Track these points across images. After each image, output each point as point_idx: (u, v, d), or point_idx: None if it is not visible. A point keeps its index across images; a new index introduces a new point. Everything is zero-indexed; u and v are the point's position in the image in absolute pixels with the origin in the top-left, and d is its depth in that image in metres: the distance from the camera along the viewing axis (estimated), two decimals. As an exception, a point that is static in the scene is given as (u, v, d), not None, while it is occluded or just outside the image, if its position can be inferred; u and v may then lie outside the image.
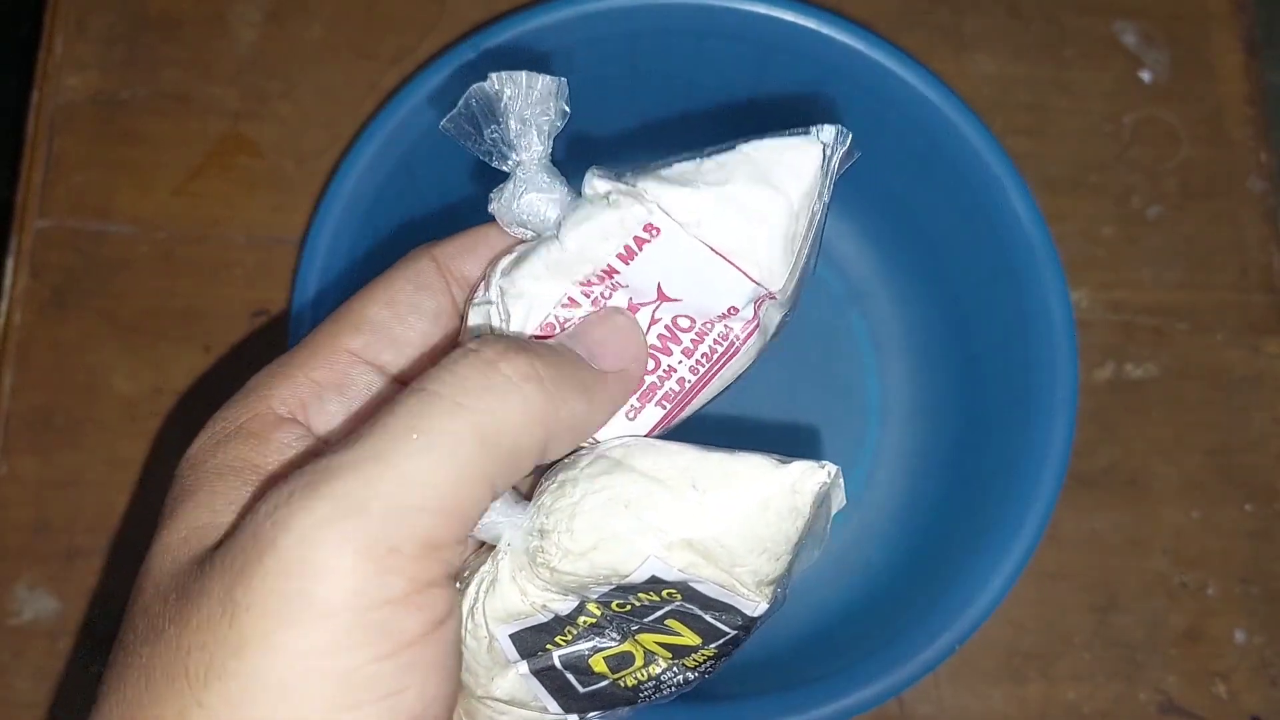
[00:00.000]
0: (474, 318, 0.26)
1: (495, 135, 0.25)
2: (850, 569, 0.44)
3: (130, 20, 0.50)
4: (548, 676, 0.25)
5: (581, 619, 0.25)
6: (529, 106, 0.24)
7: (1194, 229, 0.49)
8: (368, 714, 0.19)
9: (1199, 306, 0.48)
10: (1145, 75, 0.51)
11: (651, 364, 0.25)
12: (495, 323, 0.25)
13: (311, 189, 0.48)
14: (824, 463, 0.24)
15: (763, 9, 0.41)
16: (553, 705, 0.26)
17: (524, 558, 0.24)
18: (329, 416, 0.24)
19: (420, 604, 0.20)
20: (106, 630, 0.43)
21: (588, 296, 0.25)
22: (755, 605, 0.25)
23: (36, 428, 0.45)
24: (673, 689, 0.26)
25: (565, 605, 0.25)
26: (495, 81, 0.24)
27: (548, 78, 0.24)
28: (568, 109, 0.25)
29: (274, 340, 0.46)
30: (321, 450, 0.23)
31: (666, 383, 0.25)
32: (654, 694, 0.26)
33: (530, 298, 0.25)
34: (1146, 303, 0.48)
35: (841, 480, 0.25)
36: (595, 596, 0.24)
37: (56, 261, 0.47)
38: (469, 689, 0.26)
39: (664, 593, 0.24)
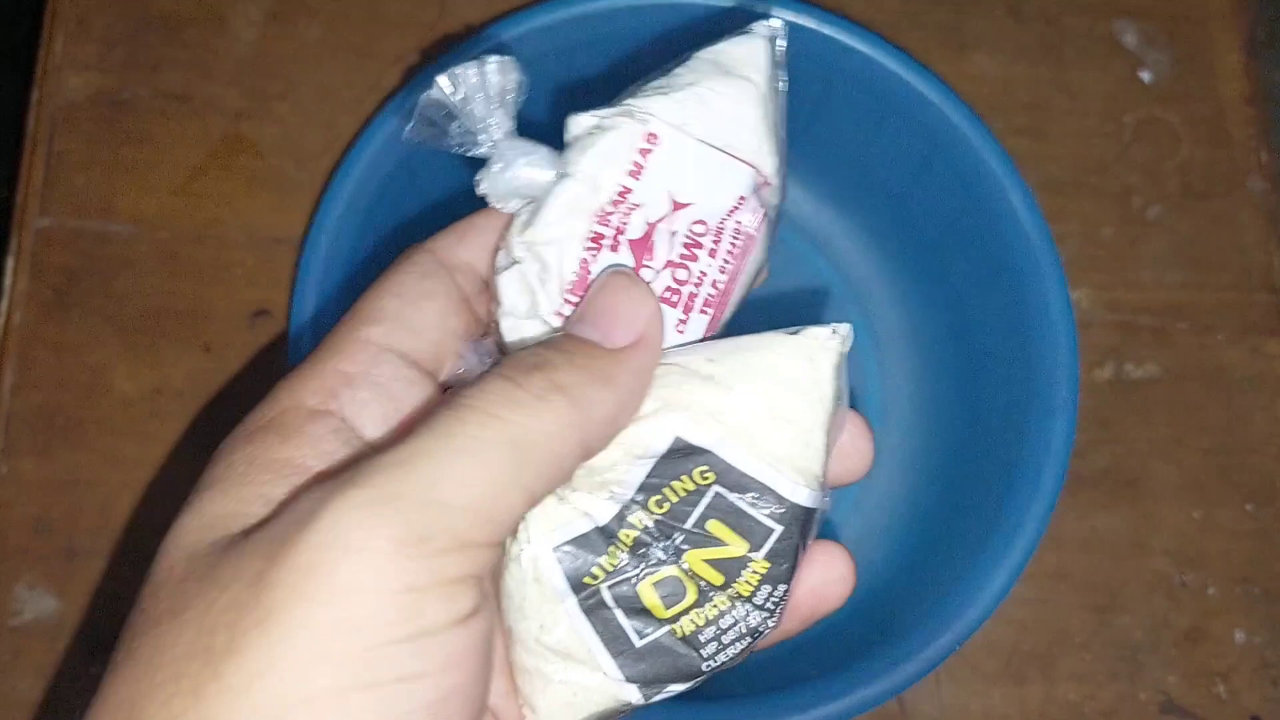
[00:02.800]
0: (506, 285, 0.26)
1: (459, 128, 0.26)
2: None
3: (131, 20, 0.50)
4: (599, 619, 0.25)
5: (624, 532, 0.25)
6: (484, 91, 0.26)
7: (1194, 229, 0.49)
8: (381, 694, 0.20)
9: (1199, 307, 0.48)
10: (1145, 75, 0.51)
11: (684, 273, 0.26)
12: (531, 280, 0.26)
13: (312, 189, 0.48)
14: (834, 325, 0.25)
15: (761, 8, 0.41)
16: (607, 662, 0.25)
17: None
18: (360, 405, 0.25)
19: (444, 595, 0.20)
20: (107, 630, 0.44)
21: (607, 225, 0.26)
22: (793, 488, 0.25)
23: (37, 427, 0.45)
24: (736, 642, 0.25)
25: (606, 510, 0.25)
26: (445, 83, 0.25)
27: (493, 61, 0.25)
28: (523, 77, 0.26)
29: (275, 340, 0.46)
30: (360, 448, 0.24)
31: (703, 288, 0.26)
32: (718, 652, 0.25)
33: (559, 241, 0.25)
34: (1147, 303, 0.48)
35: (852, 335, 0.25)
36: (633, 496, 0.25)
37: (57, 261, 0.47)
38: (520, 638, 0.25)
39: (696, 472, 0.25)
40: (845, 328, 0.25)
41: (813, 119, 0.44)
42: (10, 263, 0.47)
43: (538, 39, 0.41)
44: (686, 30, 0.42)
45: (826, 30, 0.41)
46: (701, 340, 0.26)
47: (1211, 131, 0.50)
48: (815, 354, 0.25)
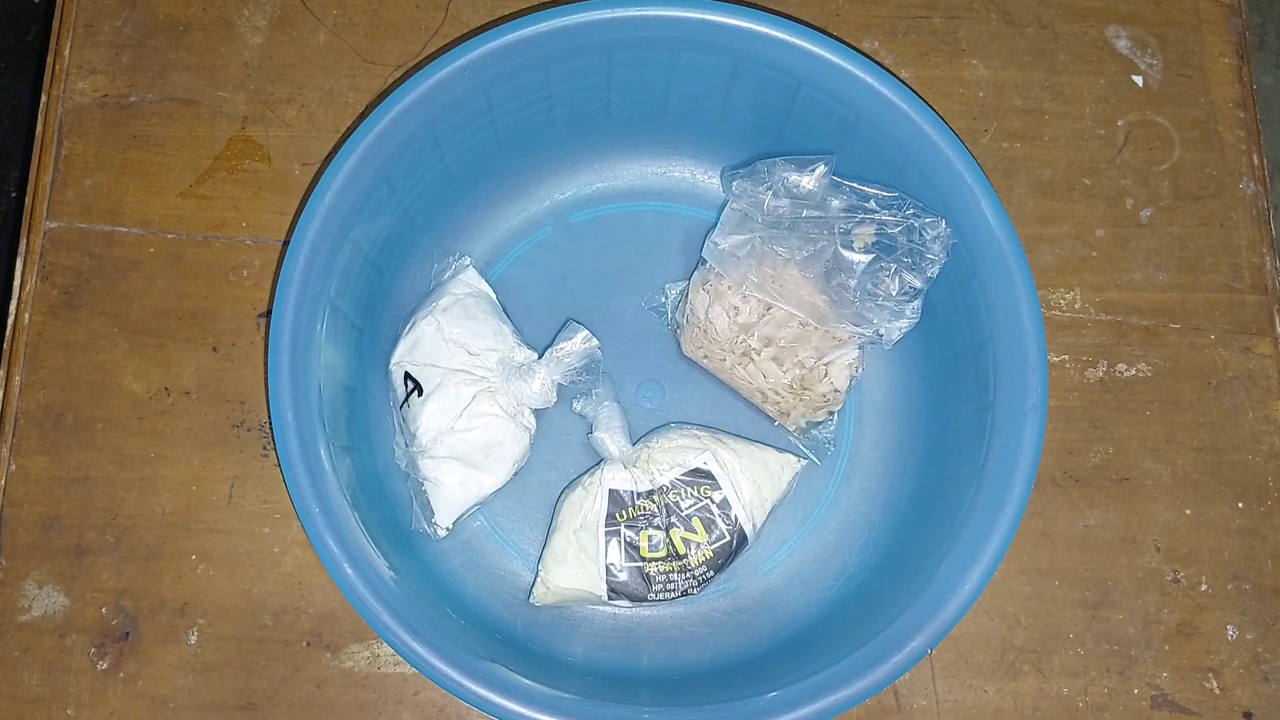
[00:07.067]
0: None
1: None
2: (830, 572, 0.45)
3: (138, 25, 0.50)
4: (610, 538, 0.42)
5: (646, 502, 0.43)
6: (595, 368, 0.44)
7: (1186, 231, 0.50)
8: None
9: (1191, 307, 0.49)
10: (1138, 80, 0.52)
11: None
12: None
13: (317, 192, 0.48)
14: (801, 459, 0.45)
15: (736, 21, 0.41)
16: (602, 564, 0.42)
17: (620, 464, 0.44)
18: None
19: None
20: (114, 627, 0.44)
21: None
22: (745, 519, 0.43)
23: (46, 426, 0.46)
24: (671, 591, 0.43)
25: (645, 485, 0.43)
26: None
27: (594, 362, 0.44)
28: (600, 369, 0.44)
29: (280, 340, 0.47)
30: None
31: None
32: (660, 592, 0.43)
33: None
34: (1139, 303, 0.49)
35: (804, 467, 0.46)
36: (663, 484, 0.43)
37: (66, 263, 0.48)
38: (560, 526, 0.43)
39: (702, 489, 0.43)
40: (805, 463, 0.45)
41: (784, 125, 0.45)
42: (20, 264, 0.48)
43: (520, 51, 0.41)
44: (663, 42, 0.42)
45: (797, 40, 0.41)
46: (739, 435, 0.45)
47: (1203, 134, 0.51)
48: (785, 466, 0.45)
